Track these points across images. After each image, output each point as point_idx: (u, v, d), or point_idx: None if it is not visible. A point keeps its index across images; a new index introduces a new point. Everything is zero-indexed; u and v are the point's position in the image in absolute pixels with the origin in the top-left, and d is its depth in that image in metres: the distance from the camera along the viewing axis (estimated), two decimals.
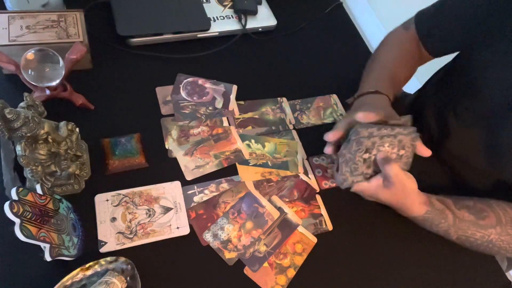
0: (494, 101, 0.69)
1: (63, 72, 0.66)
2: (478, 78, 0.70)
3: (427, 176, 0.75)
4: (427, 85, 0.94)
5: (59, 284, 0.52)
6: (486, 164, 0.74)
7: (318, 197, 0.72)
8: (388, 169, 0.60)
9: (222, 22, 0.88)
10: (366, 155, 0.62)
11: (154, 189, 0.65)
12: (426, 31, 0.79)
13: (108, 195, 0.63)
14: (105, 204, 0.62)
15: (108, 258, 0.55)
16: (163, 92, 0.77)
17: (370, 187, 0.63)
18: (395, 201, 0.64)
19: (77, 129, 0.62)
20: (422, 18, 0.80)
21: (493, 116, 0.70)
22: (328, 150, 0.66)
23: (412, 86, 1.02)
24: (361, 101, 0.72)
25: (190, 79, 0.80)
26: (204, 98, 0.78)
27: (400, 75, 0.79)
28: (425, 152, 0.64)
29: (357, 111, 0.64)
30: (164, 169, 0.68)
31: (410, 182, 0.62)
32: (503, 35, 0.66)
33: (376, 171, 0.64)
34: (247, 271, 0.62)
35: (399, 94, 0.97)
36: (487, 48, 0.68)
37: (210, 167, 0.70)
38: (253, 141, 0.75)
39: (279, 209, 0.68)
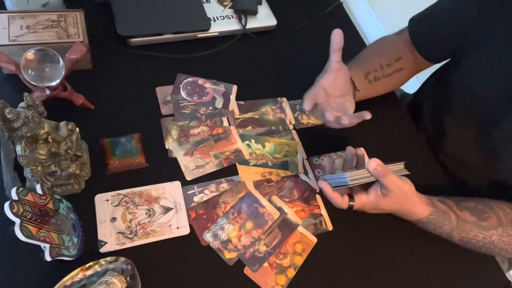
0: (487, 101, 0.69)
1: (63, 72, 0.66)
2: (471, 80, 0.71)
3: (424, 176, 0.76)
4: (425, 86, 0.94)
5: (59, 284, 0.52)
6: (481, 164, 0.75)
7: (318, 197, 0.72)
8: (385, 180, 0.59)
9: (222, 22, 0.88)
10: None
11: (154, 189, 0.65)
12: (420, 36, 0.80)
13: (108, 195, 0.63)
14: (105, 204, 0.62)
15: (108, 258, 0.55)
16: (163, 92, 0.77)
17: (369, 199, 0.63)
18: (397, 207, 0.64)
19: (77, 129, 0.62)
20: (415, 23, 0.81)
21: (487, 116, 0.70)
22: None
23: (412, 86, 1.02)
24: None
25: (190, 79, 0.80)
26: (204, 98, 0.78)
27: (373, 60, 0.79)
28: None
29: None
30: (164, 169, 0.68)
31: (407, 186, 0.62)
32: (493, 36, 0.67)
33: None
34: (247, 271, 0.62)
35: (399, 92, 0.97)
36: (479, 50, 0.69)
37: (210, 167, 0.70)
38: (253, 141, 0.75)
39: (279, 209, 0.68)
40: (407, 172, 0.65)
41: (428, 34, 0.78)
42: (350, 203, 0.64)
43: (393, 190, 0.60)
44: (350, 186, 0.61)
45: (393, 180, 0.60)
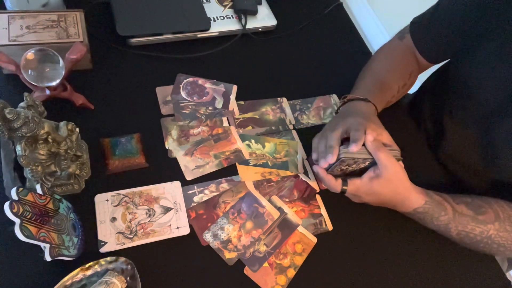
0: (488, 101, 0.69)
1: (63, 72, 0.66)
2: (471, 80, 0.71)
3: (424, 176, 0.76)
4: (425, 86, 0.95)
5: (59, 284, 0.52)
6: (481, 164, 0.75)
7: (318, 197, 0.72)
8: (379, 153, 0.61)
9: (222, 22, 0.88)
10: (345, 167, 0.64)
11: (154, 189, 0.65)
12: (421, 39, 0.80)
13: (108, 195, 0.63)
14: (105, 204, 0.62)
15: (108, 258, 0.55)
16: (163, 92, 0.77)
17: (363, 182, 0.63)
18: (391, 190, 0.63)
19: (77, 129, 0.62)
20: (416, 26, 0.81)
21: (487, 116, 0.70)
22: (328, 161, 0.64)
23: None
24: (350, 107, 0.73)
25: (190, 79, 0.80)
26: (204, 98, 0.78)
27: (392, 84, 0.79)
28: None
29: (346, 121, 0.65)
30: (164, 169, 0.68)
31: (399, 165, 0.63)
32: (493, 36, 0.67)
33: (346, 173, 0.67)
34: (247, 271, 0.62)
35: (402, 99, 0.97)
36: (479, 50, 0.69)
37: (210, 167, 0.70)
38: (253, 141, 0.75)
39: (279, 209, 0.68)
40: (401, 158, 0.65)
41: (430, 36, 0.78)
42: (343, 187, 0.64)
43: (386, 165, 0.61)
44: (342, 158, 0.61)
45: (386, 154, 0.61)
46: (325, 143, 0.64)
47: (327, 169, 0.64)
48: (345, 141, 0.65)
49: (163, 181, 0.66)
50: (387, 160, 0.61)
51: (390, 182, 0.62)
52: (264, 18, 0.92)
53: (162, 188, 0.66)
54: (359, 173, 0.65)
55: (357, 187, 0.64)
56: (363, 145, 0.62)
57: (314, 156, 0.66)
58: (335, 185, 0.64)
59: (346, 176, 0.66)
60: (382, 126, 0.68)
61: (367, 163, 0.64)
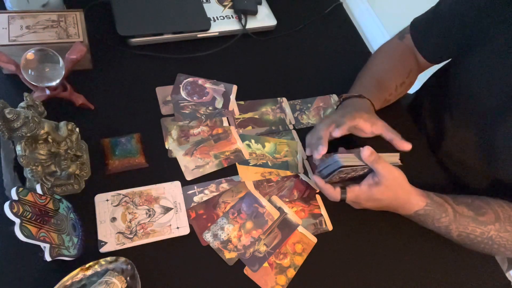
0: (488, 101, 0.69)
1: (63, 72, 0.66)
2: (471, 80, 0.71)
3: (424, 176, 0.76)
4: (425, 86, 0.95)
5: (59, 284, 0.52)
6: (481, 165, 0.75)
7: (318, 197, 0.72)
8: (376, 165, 0.60)
9: (222, 22, 0.88)
10: (344, 175, 0.64)
11: (154, 189, 0.65)
12: (422, 39, 0.80)
13: (108, 195, 0.63)
14: (105, 204, 0.62)
15: (108, 258, 0.55)
16: (163, 92, 0.77)
17: (362, 190, 0.63)
18: (391, 195, 0.63)
19: (77, 129, 0.62)
20: (416, 26, 0.81)
21: (488, 117, 0.70)
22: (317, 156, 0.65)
23: (412, 86, 1.02)
24: (344, 104, 0.74)
25: (190, 79, 0.80)
26: (204, 98, 0.78)
27: (389, 82, 0.79)
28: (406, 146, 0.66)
29: (336, 117, 0.66)
30: (164, 169, 0.68)
31: (398, 171, 0.62)
32: (493, 37, 0.67)
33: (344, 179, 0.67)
34: (247, 271, 0.62)
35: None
36: (479, 50, 0.69)
37: (210, 167, 0.70)
38: (253, 141, 0.75)
39: (279, 209, 0.68)
40: (400, 163, 0.65)
41: (430, 37, 0.78)
42: (343, 195, 0.64)
43: (384, 174, 0.61)
44: (342, 166, 0.61)
45: (383, 165, 0.61)
46: (316, 135, 0.65)
47: (325, 178, 0.64)
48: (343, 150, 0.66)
49: (163, 181, 0.66)
50: (384, 170, 0.61)
51: (390, 188, 0.62)
52: (264, 18, 0.92)
53: (162, 188, 0.66)
54: (359, 178, 0.65)
55: (356, 195, 0.64)
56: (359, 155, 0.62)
57: (307, 151, 0.66)
58: (334, 193, 0.64)
59: (345, 182, 0.66)
60: (376, 116, 0.68)
61: (366, 170, 0.63)
